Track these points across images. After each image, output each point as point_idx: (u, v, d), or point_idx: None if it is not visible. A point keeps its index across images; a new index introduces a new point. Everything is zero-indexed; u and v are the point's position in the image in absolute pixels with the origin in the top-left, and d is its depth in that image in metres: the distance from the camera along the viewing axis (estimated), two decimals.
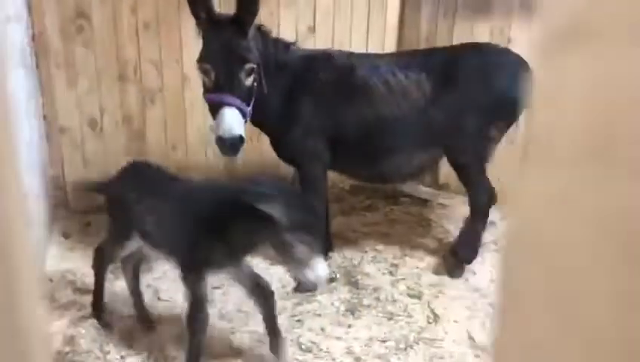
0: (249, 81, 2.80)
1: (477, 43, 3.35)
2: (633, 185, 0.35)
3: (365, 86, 3.05)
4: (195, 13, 2.77)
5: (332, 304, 2.97)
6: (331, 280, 3.17)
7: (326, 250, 3.20)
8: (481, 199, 3.25)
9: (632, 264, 0.34)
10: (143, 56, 3.72)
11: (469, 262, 3.29)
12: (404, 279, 3.21)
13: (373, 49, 4.10)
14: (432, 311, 2.93)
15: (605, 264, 0.35)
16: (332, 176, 4.40)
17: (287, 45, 3.09)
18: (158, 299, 2.96)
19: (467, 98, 3.02)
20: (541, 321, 0.40)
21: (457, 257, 3.29)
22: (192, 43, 3.74)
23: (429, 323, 2.84)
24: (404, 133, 3.06)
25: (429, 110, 3.03)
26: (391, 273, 3.27)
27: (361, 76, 3.06)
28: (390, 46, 4.26)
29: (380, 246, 3.54)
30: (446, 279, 3.22)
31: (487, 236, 3.65)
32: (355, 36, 4.09)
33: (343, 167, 3.34)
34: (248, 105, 2.81)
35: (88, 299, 2.84)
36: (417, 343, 2.68)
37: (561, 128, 0.41)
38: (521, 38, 3.78)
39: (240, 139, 2.70)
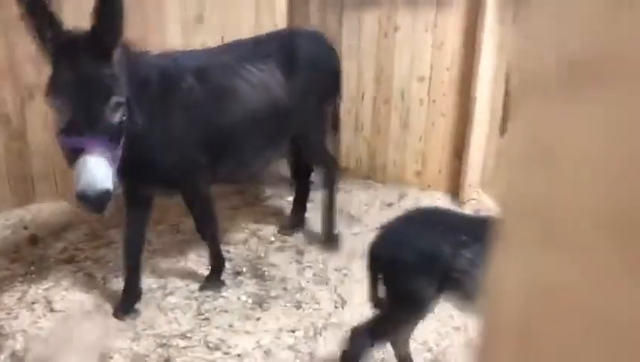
0: (116, 118, 2.26)
1: (292, 28, 3.55)
2: None
3: (227, 87, 2.88)
4: (38, 32, 2.19)
5: (239, 298, 2.93)
6: (237, 273, 3.13)
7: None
8: (333, 172, 3.51)
9: None
10: (16, 51, 3.43)
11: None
12: (310, 266, 3.24)
13: None
14: (339, 295, 2.98)
15: None
16: None
17: (143, 56, 2.65)
18: (52, 310, 2.77)
19: (310, 80, 3.17)
20: None
21: (333, 233, 3.48)
22: None
23: (336, 308, 2.89)
24: (272, 126, 3.05)
25: (285, 97, 3.07)
26: (297, 261, 3.29)
27: (219, 77, 2.87)
28: None
29: (285, 236, 3.54)
30: (350, 262, 3.28)
31: (388, 216, 3.77)
32: (244, 26, 4.03)
33: (220, 177, 3.07)
34: (117, 147, 2.27)
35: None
36: (326, 329, 2.71)
37: (569, 200, 0.30)
38: (406, 26, 3.91)
39: (107, 194, 2.18)
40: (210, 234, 2.99)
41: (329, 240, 3.44)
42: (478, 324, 0.39)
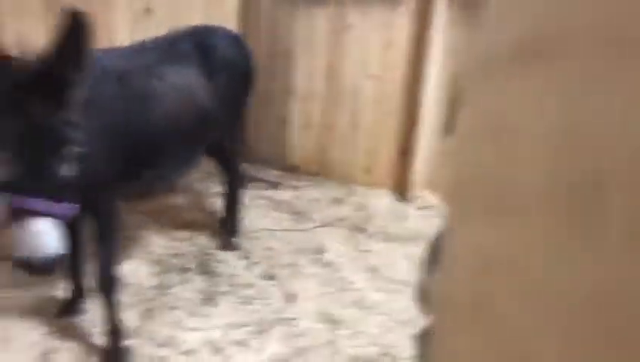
0: (68, 169, 1.85)
1: (207, 26, 3.26)
2: (623, 255, 0.27)
3: (152, 92, 2.61)
4: None
5: (187, 295, 2.90)
6: (185, 270, 3.10)
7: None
8: (240, 182, 3.46)
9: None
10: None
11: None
12: (259, 262, 3.24)
13: None
14: (288, 291, 2.99)
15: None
16: None
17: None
18: None
19: (229, 82, 3.06)
20: None
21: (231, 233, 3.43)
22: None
23: (286, 303, 2.90)
24: (194, 133, 2.87)
25: (207, 101, 2.90)
26: (246, 257, 3.28)
27: (142, 82, 2.59)
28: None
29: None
30: (299, 258, 3.30)
31: (336, 212, 3.82)
32: (194, 20, 3.97)
33: (138, 189, 2.85)
34: (70, 203, 1.90)
35: None
36: (275, 324, 2.72)
37: (515, 174, 0.32)
38: (358, 24, 3.97)
39: (58, 258, 1.79)
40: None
41: (225, 247, 3.37)
42: (435, 297, 0.41)
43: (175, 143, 2.76)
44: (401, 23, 3.87)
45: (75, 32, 1.76)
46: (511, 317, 0.33)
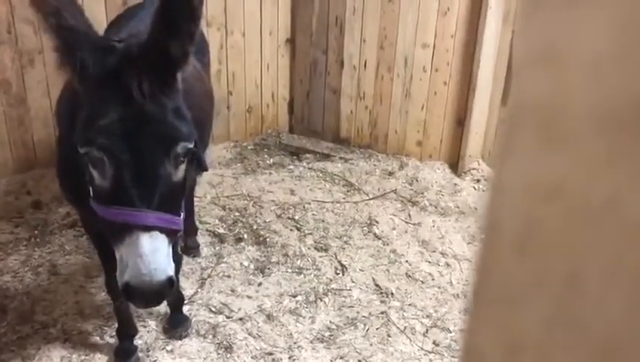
0: (180, 174, 1.58)
1: None
2: None
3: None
4: (63, 43, 1.50)
5: (241, 264, 2.97)
6: (238, 240, 3.16)
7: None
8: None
9: None
10: (16, 15, 3.39)
11: None
12: (310, 233, 3.26)
13: (267, 9, 4.08)
14: (339, 262, 3.01)
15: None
16: (234, 135, 4.34)
17: None
18: (56, 273, 2.80)
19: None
20: (530, 317, 0.36)
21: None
22: None
23: (337, 274, 2.93)
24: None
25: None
26: (298, 228, 3.31)
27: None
28: (285, 5, 4.24)
29: (286, 203, 3.56)
30: (350, 230, 3.31)
31: (388, 185, 3.80)
32: None
33: None
34: (179, 214, 1.63)
35: None
36: (326, 294, 2.76)
37: (568, 99, 0.33)
38: None
39: (169, 284, 1.52)
40: None
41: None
42: (481, 225, 0.42)
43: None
44: None
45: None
46: (559, 238, 0.34)
